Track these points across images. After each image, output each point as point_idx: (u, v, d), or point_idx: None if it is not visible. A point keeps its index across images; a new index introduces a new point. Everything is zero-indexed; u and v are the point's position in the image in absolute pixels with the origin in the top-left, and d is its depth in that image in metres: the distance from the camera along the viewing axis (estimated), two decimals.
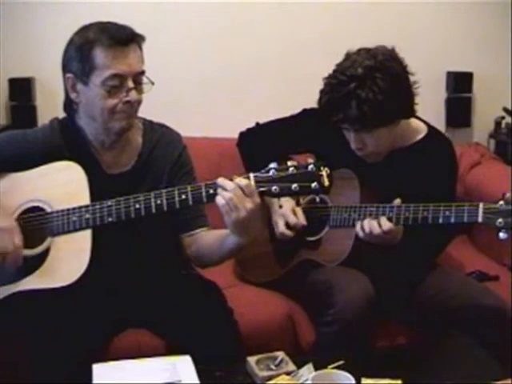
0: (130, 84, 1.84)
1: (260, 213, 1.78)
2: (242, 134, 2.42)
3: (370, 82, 1.96)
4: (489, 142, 3.30)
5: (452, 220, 1.90)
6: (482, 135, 3.30)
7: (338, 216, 2.14)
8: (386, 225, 1.96)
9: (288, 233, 2.15)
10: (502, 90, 3.17)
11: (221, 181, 1.74)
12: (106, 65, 1.81)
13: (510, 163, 3.01)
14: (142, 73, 1.88)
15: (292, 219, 2.14)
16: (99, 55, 1.82)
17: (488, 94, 3.25)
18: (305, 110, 2.31)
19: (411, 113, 2.09)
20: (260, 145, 2.28)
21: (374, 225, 1.97)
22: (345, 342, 1.99)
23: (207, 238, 1.96)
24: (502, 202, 1.84)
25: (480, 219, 1.85)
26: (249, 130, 2.41)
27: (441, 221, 1.91)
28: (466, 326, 2.00)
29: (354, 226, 2.06)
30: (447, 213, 1.90)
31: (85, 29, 1.88)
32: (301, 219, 2.15)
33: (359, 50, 2.06)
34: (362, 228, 2.00)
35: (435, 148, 2.16)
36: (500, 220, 1.82)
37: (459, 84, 3.20)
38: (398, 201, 1.99)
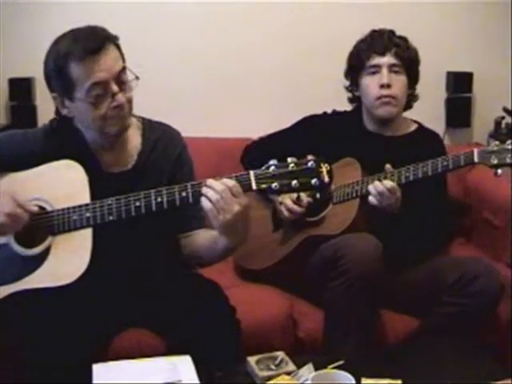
0: (114, 88, 1.83)
1: (250, 214, 1.80)
2: (245, 149, 2.53)
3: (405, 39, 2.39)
4: (489, 142, 3.29)
5: (450, 166, 2.07)
6: (481, 135, 3.30)
7: (341, 192, 2.26)
8: (389, 183, 2.09)
9: (296, 208, 2.23)
10: (502, 90, 3.16)
11: (209, 181, 1.74)
12: (83, 77, 1.80)
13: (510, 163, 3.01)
14: (123, 70, 1.86)
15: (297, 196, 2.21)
16: (74, 70, 1.80)
17: (488, 94, 3.25)
18: (305, 119, 2.46)
19: (413, 98, 2.45)
20: (264, 158, 2.28)
21: (377, 184, 2.11)
22: (355, 295, 2.05)
23: (202, 239, 1.97)
24: (496, 142, 2.04)
25: (476, 159, 2.05)
26: (252, 143, 2.52)
27: (439, 170, 2.09)
28: (453, 287, 2.11)
29: (357, 197, 2.19)
30: (445, 162, 2.08)
31: (56, 42, 1.86)
32: (305, 197, 2.23)
33: None
34: (372, 192, 2.12)
35: (426, 138, 2.43)
36: (494, 157, 2.02)
37: (459, 84, 3.20)
38: (388, 166, 2.13)
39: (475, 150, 2.05)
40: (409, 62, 2.36)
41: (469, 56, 3.21)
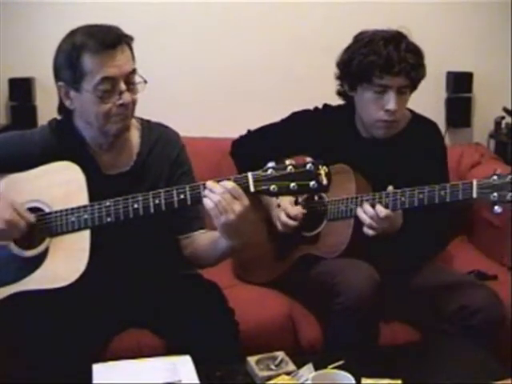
0: (122, 87, 1.84)
1: (251, 216, 1.80)
2: (234, 143, 2.44)
3: (409, 40, 2.15)
4: (489, 142, 3.30)
5: (447, 199, 1.92)
6: (482, 135, 3.30)
7: (335, 209, 2.16)
8: (382, 212, 1.98)
9: (291, 222, 2.16)
10: (501, 90, 3.17)
11: (209, 184, 1.75)
12: (95, 70, 1.81)
13: (510, 163, 3.01)
14: (134, 71, 1.88)
15: (291, 210, 2.16)
16: (87, 61, 1.81)
17: (488, 94, 3.25)
18: (294, 114, 2.35)
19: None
20: (253, 152, 2.27)
21: (369, 210, 2.00)
22: (354, 330, 2.01)
23: (202, 240, 1.97)
24: (495, 177, 1.86)
25: (475, 195, 1.88)
26: (241, 137, 2.43)
27: (436, 201, 1.93)
28: (452, 315, 2.04)
29: (351, 216, 2.09)
30: (442, 192, 1.93)
31: (71, 34, 1.87)
32: (300, 209, 2.18)
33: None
34: (363, 219, 2.02)
35: (422, 130, 2.26)
36: (494, 194, 1.85)
37: (459, 84, 3.20)
38: (390, 188, 2.01)
39: (474, 183, 1.88)
40: (418, 81, 2.16)
41: (469, 56, 3.21)
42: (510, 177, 1.84)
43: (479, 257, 2.66)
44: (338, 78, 2.26)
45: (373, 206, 2.01)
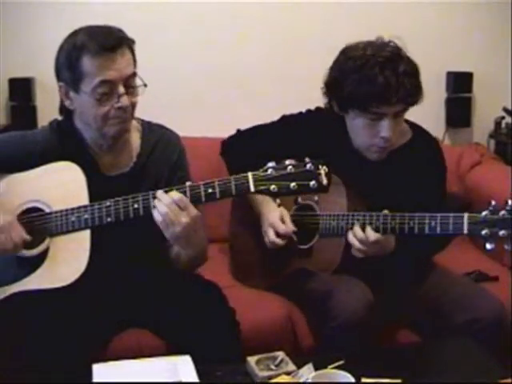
0: (121, 90, 1.83)
1: (201, 223, 1.80)
2: (223, 143, 2.38)
3: (405, 58, 1.99)
4: (489, 142, 3.30)
5: (438, 231, 1.84)
6: (481, 135, 3.31)
7: (326, 224, 2.09)
8: (372, 236, 1.93)
9: (278, 241, 2.11)
10: (502, 90, 3.17)
11: (159, 194, 1.76)
12: (94, 72, 1.80)
13: (510, 163, 3.02)
14: (134, 75, 1.87)
15: (281, 228, 2.10)
16: (87, 63, 1.81)
17: (488, 94, 3.26)
18: (284, 117, 2.29)
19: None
20: (244, 153, 2.20)
21: (359, 234, 1.95)
22: (348, 348, 1.96)
23: (172, 249, 1.97)
24: (486, 212, 1.78)
25: (466, 231, 1.81)
26: (230, 138, 2.37)
27: (427, 231, 1.86)
28: (461, 327, 2.00)
29: (342, 234, 2.03)
30: (433, 223, 1.85)
31: (74, 34, 1.86)
32: (290, 226, 2.11)
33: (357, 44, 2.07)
34: (352, 243, 1.97)
35: (422, 149, 2.14)
36: (486, 231, 1.77)
37: (459, 84, 3.21)
38: (385, 211, 1.94)
39: (465, 217, 1.79)
40: (414, 104, 2.01)
41: (469, 56, 3.22)
42: (502, 213, 1.75)
43: (479, 257, 2.65)
44: (326, 95, 2.13)
45: (363, 228, 1.95)
